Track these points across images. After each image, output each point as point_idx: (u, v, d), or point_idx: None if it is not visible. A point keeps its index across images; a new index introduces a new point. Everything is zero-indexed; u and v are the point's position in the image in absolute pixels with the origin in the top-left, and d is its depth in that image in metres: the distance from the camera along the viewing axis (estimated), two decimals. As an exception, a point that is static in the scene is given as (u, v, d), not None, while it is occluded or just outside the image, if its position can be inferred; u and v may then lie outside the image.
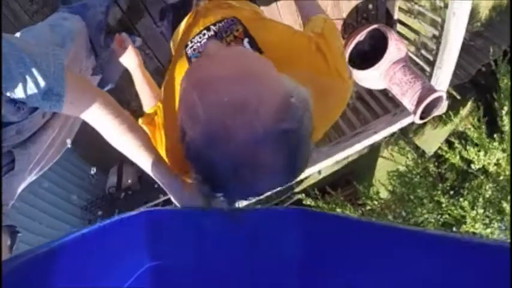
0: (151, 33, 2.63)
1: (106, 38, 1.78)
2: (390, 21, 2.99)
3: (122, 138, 1.00)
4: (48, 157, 1.26)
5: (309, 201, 4.54)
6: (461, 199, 4.05)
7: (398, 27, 3.00)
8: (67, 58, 1.25)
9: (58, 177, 2.98)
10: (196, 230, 0.79)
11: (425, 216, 4.38)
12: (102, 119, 0.98)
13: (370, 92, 3.12)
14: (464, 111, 4.35)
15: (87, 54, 1.55)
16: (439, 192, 4.29)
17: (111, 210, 3.08)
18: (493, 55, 3.73)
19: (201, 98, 0.62)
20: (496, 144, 3.79)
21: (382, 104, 2.98)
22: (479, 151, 3.82)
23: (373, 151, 5.32)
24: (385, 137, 4.97)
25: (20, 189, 1.14)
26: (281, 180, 0.68)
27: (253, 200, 0.77)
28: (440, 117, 4.52)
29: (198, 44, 1.09)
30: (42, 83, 0.85)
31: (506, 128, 3.77)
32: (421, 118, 2.57)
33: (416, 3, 2.72)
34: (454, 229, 4.18)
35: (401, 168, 4.87)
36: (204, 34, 1.10)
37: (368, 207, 4.79)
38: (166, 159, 1.03)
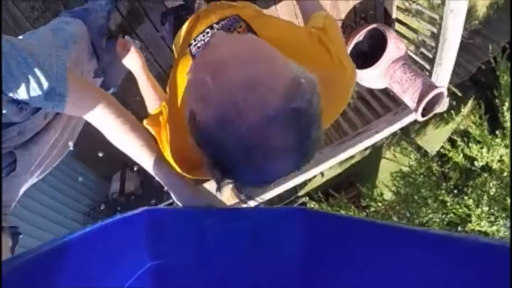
0: (151, 38, 2.65)
1: (107, 41, 1.80)
2: (389, 21, 3.01)
3: (124, 137, 1.01)
4: (50, 159, 1.26)
5: (312, 204, 4.54)
6: (465, 197, 4.03)
7: (397, 26, 3.01)
8: (69, 60, 1.26)
9: (60, 183, 3.00)
10: (197, 229, 0.79)
11: (430, 216, 4.36)
12: (104, 119, 0.99)
13: (371, 91, 3.12)
14: (465, 110, 4.35)
15: (89, 58, 1.56)
16: (443, 192, 4.28)
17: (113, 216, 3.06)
18: (492, 52, 3.73)
19: (213, 78, 0.62)
20: (498, 140, 3.79)
21: (383, 103, 2.98)
22: (481, 148, 3.82)
23: (376, 153, 5.31)
24: (387, 138, 4.99)
25: (22, 191, 1.14)
26: (292, 163, 0.67)
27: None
28: (441, 116, 4.53)
29: (202, 42, 1.09)
30: (44, 83, 0.86)
31: (508, 124, 3.77)
32: (423, 115, 2.57)
33: (414, 1, 2.73)
34: (460, 228, 4.16)
35: (405, 169, 4.86)
36: (208, 32, 1.10)
37: (372, 209, 4.78)
38: (171, 159, 1.02)
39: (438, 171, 4.58)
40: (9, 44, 0.83)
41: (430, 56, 2.60)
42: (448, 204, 4.19)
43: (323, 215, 0.86)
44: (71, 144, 1.38)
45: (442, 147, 4.20)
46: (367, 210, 4.79)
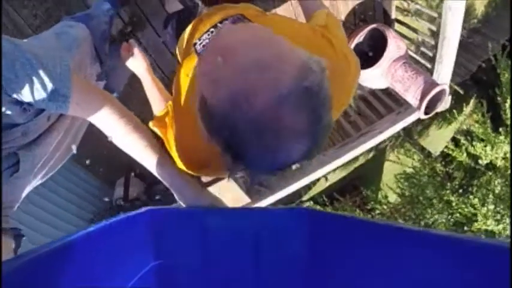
0: (153, 44, 2.67)
1: (110, 46, 1.81)
2: (388, 21, 3.02)
3: (128, 138, 1.01)
4: (53, 161, 1.26)
5: (317, 208, 4.52)
6: (471, 197, 4.02)
7: (397, 26, 3.02)
8: (72, 63, 1.26)
9: (63, 190, 3.00)
10: (201, 229, 0.80)
11: (436, 217, 4.34)
12: (107, 120, 0.99)
13: (373, 92, 3.13)
14: (467, 109, 4.35)
15: (92, 61, 1.57)
16: (448, 192, 4.26)
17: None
18: (492, 50, 3.74)
19: (224, 60, 0.63)
20: (502, 137, 3.78)
21: (385, 103, 2.99)
22: (485, 146, 3.81)
23: (379, 155, 5.29)
24: (390, 140, 4.98)
25: (25, 193, 1.14)
26: (303, 148, 0.66)
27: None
28: (444, 116, 4.52)
29: (207, 41, 1.10)
30: (48, 84, 0.86)
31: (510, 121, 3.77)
32: (426, 113, 2.57)
33: (412, 1, 2.75)
34: (466, 228, 4.15)
35: (408, 170, 4.85)
36: (212, 32, 1.11)
37: (377, 212, 4.76)
38: (178, 158, 1.03)
39: (442, 171, 4.57)
40: (13, 45, 0.83)
41: (431, 54, 2.61)
42: (454, 204, 4.17)
43: (326, 215, 0.86)
44: (74, 147, 1.38)
45: (446, 147, 4.18)
46: (372, 213, 4.77)
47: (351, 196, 5.62)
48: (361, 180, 5.53)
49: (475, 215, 3.99)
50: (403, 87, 2.61)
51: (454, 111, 4.14)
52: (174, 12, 2.07)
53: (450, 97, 2.62)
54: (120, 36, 2.48)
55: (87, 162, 3.19)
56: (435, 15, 2.43)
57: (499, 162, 3.87)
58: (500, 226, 3.86)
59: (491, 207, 3.85)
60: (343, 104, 1.04)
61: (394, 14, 2.99)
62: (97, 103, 0.98)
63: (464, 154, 4.01)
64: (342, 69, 0.97)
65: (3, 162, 0.96)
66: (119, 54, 1.40)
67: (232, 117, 0.62)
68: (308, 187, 5.14)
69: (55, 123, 1.15)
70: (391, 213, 4.74)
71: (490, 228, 3.87)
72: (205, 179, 2.32)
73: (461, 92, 3.44)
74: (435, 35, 2.45)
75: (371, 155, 5.15)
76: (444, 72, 2.54)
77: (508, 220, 3.87)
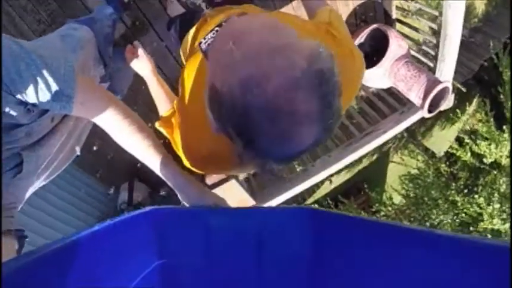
0: (156, 48, 2.68)
1: (114, 49, 1.81)
2: (389, 21, 3.03)
3: (132, 138, 1.01)
4: (57, 162, 1.26)
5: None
6: (476, 196, 4.00)
7: (398, 26, 3.03)
8: (76, 65, 1.27)
9: (68, 195, 3.00)
10: (204, 229, 0.79)
11: (441, 217, 4.32)
12: (111, 120, 0.99)
13: (376, 92, 3.14)
14: (470, 109, 4.35)
15: (95, 63, 1.57)
16: (453, 192, 4.25)
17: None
18: (493, 49, 3.75)
19: (236, 44, 0.63)
20: (506, 135, 3.78)
21: (388, 103, 2.99)
22: (489, 144, 3.80)
23: (383, 157, 5.29)
24: (394, 142, 4.98)
25: (28, 193, 1.14)
26: (315, 134, 0.66)
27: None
28: (447, 116, 4.53)
29: (212, 39, 1.10)
30: (52, 84, 0.86)
31: (514, 119, 3.77)
32: (429, 111, 2.57)
33: (413, 0, 2.76)
34: (472, 228, 4.13)
35: (413, 171, 4.84)
36: (217, 30, 1.11)
37: (382, 213, 4.75)
38: (185, 157, 1.03)
39: (447, 171, 4.56)
40: (18, 46, 0.84)
41: (433, 53, 2.61)
42: (459, 204, 4.15)
43: (330, 214, 0.85)
44: (77, 149, 1.38)
45: (450, 147, 4.18)
46: (377, 215, 4.75)
47: (355, 198, 5.62)
48: (366, 183, 5.52)
49: (481, 214, 3.98)
50: (406, 86, 2.61)
51: (457, 110, 4.14)
52: (177, 15, 2.08)
53: (453, 95, 2.62)
54: (123, 40, 2.49)
55: (92, 168, 3.20)
56: (436, 13, 2.44)
57: (504, 161, 3.86)
58: (507, 225, 3.84)
59: (497, 206, 3.84)
60: (349, 98, 1.04)
61: (394, 14, 3.00)
62: (101, 104, 0.98)
63: (469, 153, 4.00)
64: (347, 64, 0.97)
65: (6, 163, 0.97)
66: (123, 57, 1.41)
67: (243, 102, 0.62)
68: (312, 190, 5.14)
69: (59, 125, 1.14)
70: (396, 214, 4.73)
71: (496, 227, 3.85)
72: (209, 181, 2.33)
73: (464, 89, 3.44)
74: (436, 33, 2.46)
75: (375, 157, 5.16)
76: (446, 71, 2.54)
77: (513, 219, 3.86)
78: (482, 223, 3.97)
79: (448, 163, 4.55)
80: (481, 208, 3.92)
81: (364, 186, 5.25)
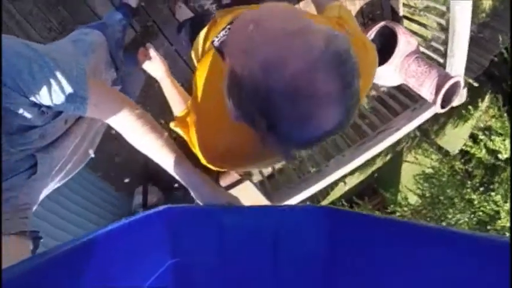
0: (166, 52, 2.70)
1: (125, 53, 1.83)
2: (396, 19, 3.02)
3: (145, 138, 1.02)
4: (71, 165, 1.27)
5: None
6: (492, 194, 3.96)
7: (406, 23, 3.02)
8: (88, 67, 1.29)
9: (83, 200, 3.02)
10: (219, 227, 0.79)
11: (458, 216, 4.27)
12: (125, 121, 1.00)
13: (387, 91, 3.12)
14: (483, 105, 4.31)
15: (107, 67, 1.59)
16: (469, 190, 4.21)
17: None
18: (502, 43, 3.72)
19: (256, 28, 0.64)
20: (520, 130, 3.74)
21: (400, 101, 2.97)
22: (504, 140, 3.76)
23: (397, 157, 5.25)
24: (407, 141, 4.94)
25: (42, 195, 1.15)
26: (335, 116, 0.66)
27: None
28: (459, 114, 4.48)
29: (225, 37, 1.10)
30: (66, 86, 0.88)
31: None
32: (442, 107, 2.55)
33: (420, -4, 2.76)
34: (489, 227, 4.07)
35: (427, 170, 4.80)
36: (229, 28, 1.11)
37: (397, 214, 4.71)
38: (201, 155, 1.03)
39: (462, 169, 4.51)
40: (30, 49, 0.85)
41: (442, 49, 2.60)
42: (475, 202, 4.11)
43: (346, 212, 0.85)
44: (91, 151, 1.40)
45: (464, 144, 4.14)
46: (392, 216, 4.71)
47: (370, 199, 5.57)
48: (380, 183, 5.49)
49: (498, 212, 3.93)
50: (417, 82, 2.59)
51: (470, 107, 4.11)
52: (187, 19, 2.10)
53: (465, 90, 2.60)
54: (133, 45, 2.52)
55: (106, 174, 3.23)
56: (443, 9, 2.43)
57: (520, 156, 3.82)
58: (525, 222, 3.79)
59: (514, 203, 3.79)
60: (363, 90, 1.04)
61: (402, 11, 2.99)
62: (114, 105, 1.00)
63: (483, 150, 3.96)
64: (361, 55, 0.96)
65: (21, 164, 0.98)
66: (133, 61, 1.42)
67: (265, 85, 0.62)
68: (326, 192, 5.12)
69: (72, 127, 1.16)
70: (411, 215, 4.69)
71: (514, 225, 3.80)
72: (224, 182, 2.32)
73: (476, 84, 3.40)
74: (445, 29, 2.45)
75: (388, 157, 5.12)
76: (457, 65, 2.52)
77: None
78: (499, 221, 3.92)
79: (462, 161, 4.51)
80: (497, 206, 3.88)
81: (378, 187, 5.22)
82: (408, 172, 5.22)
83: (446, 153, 4.87)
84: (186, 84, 1.33)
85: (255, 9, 0.72)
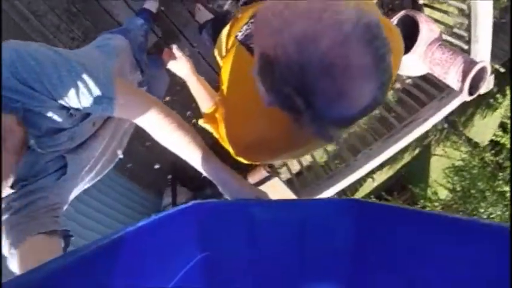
0: (188, 55, 2.69)
1: (149, 56, 1.86)
2: (416, 7, 2.99)
3: (173, 136, 1.02)
4: (100, 165, 1.31)
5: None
6: (525, 185, 3.86)
7: (427, 11, 2.97)
8: (113, 70, 1.31)
9: (111, 200, 3.08)
10: (247, 221, 0.79)
11: (490, 210, 4.17)
12: (152, 119, 1.01)
13: (412, 82, 3.07)
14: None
15: (132, 70, 1.61)
16: (501, 182, 4.10)
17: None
18: (526, 28, 3.63)
19: (287, 6, 0.64)
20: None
21: (426, 91, 2.91)
22: (535, 126, 3.67)
23: (425, 151, 5.17)
24: (435, 134, 4.85)
25: (73, 195, 1.18)
26: (371, 89, 0.65)
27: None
28: (487, 104, 4.40)
29: (249, 31, 1.10)
30: (93, 88, 0.90)
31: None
32: (470, 94, 2.49)
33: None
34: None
35: (457, 163, 4.71)
36: (252, 22, 1.11)
37: (428, 209, 4.61)
38: (232, 149, 1.04)
39: (492, 161, 4.41)
40: (57, 54, 0.88)
41: (466, 35, 2.55)
42: (508, 194, 4.00)
43: (374, 205, 0.83)
44: (119, 152, 1.43)
45: (494, 134, 4.04)
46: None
47: (399, 195, 5.50)
48: (409, 179, 5.41)
49: (533, 204, 3.82)
50: (442, 70, 2.54)
51: (498, 95, 4.02)
52: (207, 20, 2.12)
53: (493, 77, 2.54)
54: (155, 49, 2.56)
55: (136, 176, 3.30)
56: (463, -7, 2.39)
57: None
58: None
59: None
60: (393, 73, 1.03)
61: (421, 0, 2.95)
62: (141, 104, 1.01)
63: (514, 139, 3.86)
64: (388, 36, 0.97)
65: (51, 165, 1.02)
66: (157, 64, 1.44)
67: (299, 62, 0.62)
68: (355, 188, 5.08)
69: (100, 130, 1.19)
70: (442, 210, 4.60)
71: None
72: (252, 180, 2.33)
73: (503, 70, 3.32)
74: (466, 15, 2.40)
75: (417, 151, 5.05)
76: (482, 51, 2.46)
77: None
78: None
79: (493, 152, 4.40)
80: (531, 198, 3.77)
81: (407, 182, 5.15)
82: (437, 166, 5.14)
83: (475, 145, 4.77)
84: (210, 84, 1.34)
85: None
